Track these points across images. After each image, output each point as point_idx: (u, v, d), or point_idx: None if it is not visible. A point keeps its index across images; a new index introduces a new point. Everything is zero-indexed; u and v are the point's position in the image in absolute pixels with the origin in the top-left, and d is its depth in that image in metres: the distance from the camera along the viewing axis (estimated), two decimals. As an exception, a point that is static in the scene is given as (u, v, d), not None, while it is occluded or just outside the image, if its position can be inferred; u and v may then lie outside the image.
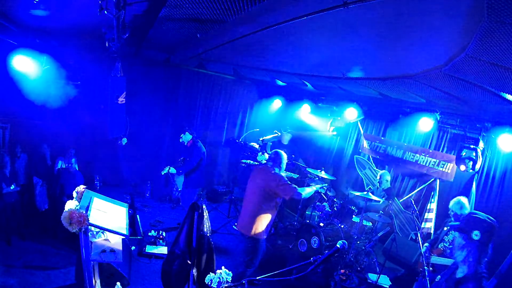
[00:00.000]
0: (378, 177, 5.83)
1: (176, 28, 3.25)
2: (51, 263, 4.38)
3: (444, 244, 3.84)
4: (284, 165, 3.98)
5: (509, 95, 2.80)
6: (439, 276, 2.26)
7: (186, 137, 5.65)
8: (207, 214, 3.23)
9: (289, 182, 3.74)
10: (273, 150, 4.14)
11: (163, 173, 5.50)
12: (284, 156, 4.01)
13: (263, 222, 3.80)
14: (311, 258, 1.91)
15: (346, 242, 2.04)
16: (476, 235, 1.89)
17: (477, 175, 4.96)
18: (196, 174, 5.64)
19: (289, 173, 6.48)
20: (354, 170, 7.03)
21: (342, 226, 5.30)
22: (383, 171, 5.94)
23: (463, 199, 4.11)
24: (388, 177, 5.78)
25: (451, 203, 4.16)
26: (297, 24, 2.30)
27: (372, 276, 4.84)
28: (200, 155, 5.57)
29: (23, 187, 5.23)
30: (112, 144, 6.86)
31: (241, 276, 3.90)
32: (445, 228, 4.05)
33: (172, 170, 5.45)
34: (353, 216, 5.38)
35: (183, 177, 5.77)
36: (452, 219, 4.06)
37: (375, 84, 4.24)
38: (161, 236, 5.23)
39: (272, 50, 3.85)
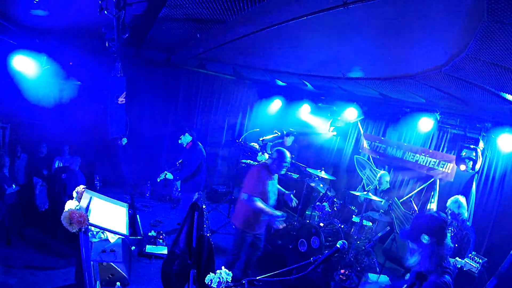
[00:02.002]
0: (377, 178, 5.83)
1: (176, 28, 3.25)
2: (51, 263, 4.38)
3: None
4: (285, 164, 3.93)
5: (509, 95, 2.80)
6: (408, 274, 2.27)
7: (186, 139, 5.37)
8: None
9: (258, 183, 3.83)
10: (276, 148, 4.09)
11: (159, 180, 5.20)
12: (287, 154, 3.94)
13: (244, 214, 3.95)
14: (311, 258, 1.91)
15: (346, 242, 2.04)
16: (425, 239, 1.89)
17: (477, 175, 4.96)
18: (194, 180, 5.30)
19: (289, 173, 6.49)
20: (354, 170, 7.03)
21: (342, 226, 5.30)
22: (383, 171, 5.93)
23: (461, 198, 4.12)
24: (388, 178, 5.78)
25: (449, 201, 4.17)
26: (297, 24, 2.30)
27: (372, 276, 4.84)
28: (199, 158, 5.26)
29: (23, 187, 5.23)
30: (112, 144, 6.85)
31: (231, 266, 4.00)
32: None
33: (169, 175, 5.17)
34: (353, 216, 5.38)
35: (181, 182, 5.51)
36: (449, 217, 4.07)
37: (375, 84, 4.24)
38: (161, 236, 5.22)
39: (272, 50, 3.84)
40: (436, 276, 1.90)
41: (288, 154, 3.98)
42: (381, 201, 5.26)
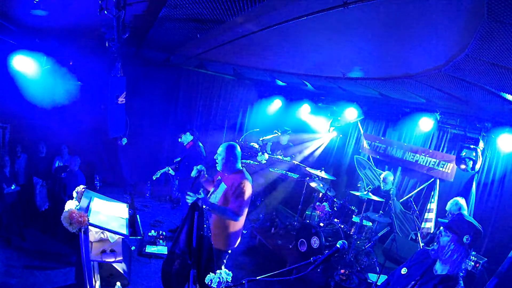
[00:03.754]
0: (381, 178, 5.82)
1: (176, 28, 3.25)
2: (51, 263, 4.38)
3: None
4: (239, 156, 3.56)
5: (509, 95, 2.80)
6: (405, 268, 2.19)
7: (187, 138, 5.28)
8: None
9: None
10: (224, 144, 3.54)
11: (154, 178, 5.16)
12: (220, 147, 3.53)
13: None
14: (311, 258, 1.91)
15: (346, 242, 2.04)
16: (467, 239, 1.89)
17: (477, 175, 4.96)
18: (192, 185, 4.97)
19: (289, 173, 6.49)
20: (354, 170, 7.03)
21: (342, 226, 5.30)
22: (387, 172, 5.92)
23: (461, 200, 4.12)
24: (391, 178, 5.78)
25: (448, 204, 4.16)
26: (297, 24, 2.30)
27: (372, 276, 4.84)
28: (200, 160, 5.06)
29: (23, 187, 5.23)
30: (112, 144, 6.86)
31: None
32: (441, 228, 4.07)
33: (172, 172, 5.22)
34: (353, 216, 5.38)
35: (178, 181, 5.48)
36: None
37: (375, 84, 4.24)
38: (161, 236, 5.22)
39: (272, 50, 3.84)
40: (453, 283, 1.90)
41: (234, 148, 3.47)
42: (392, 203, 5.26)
